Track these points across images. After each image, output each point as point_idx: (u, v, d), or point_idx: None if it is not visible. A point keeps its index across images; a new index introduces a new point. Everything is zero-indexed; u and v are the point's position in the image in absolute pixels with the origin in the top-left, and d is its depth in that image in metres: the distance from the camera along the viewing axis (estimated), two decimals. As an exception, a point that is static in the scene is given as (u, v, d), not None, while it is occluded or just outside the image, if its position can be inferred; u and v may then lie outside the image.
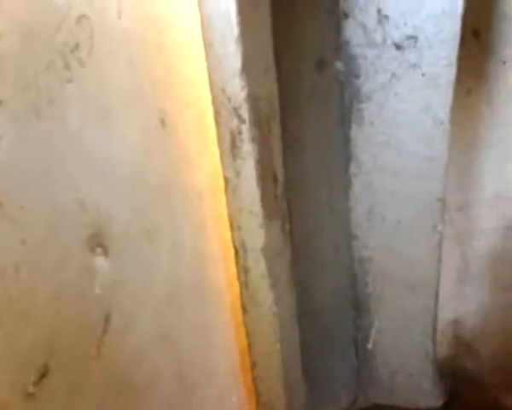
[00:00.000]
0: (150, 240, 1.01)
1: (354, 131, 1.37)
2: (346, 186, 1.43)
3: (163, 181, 1.06)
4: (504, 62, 1.40)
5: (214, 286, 1.26)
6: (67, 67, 0.79)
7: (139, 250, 0.98)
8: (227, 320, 1.33)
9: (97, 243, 0.85)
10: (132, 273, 0.95)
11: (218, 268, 1.28)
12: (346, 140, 1.39)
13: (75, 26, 0.81)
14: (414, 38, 1.27)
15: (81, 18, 0.83)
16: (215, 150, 1.21)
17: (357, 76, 1.32)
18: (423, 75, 1.29)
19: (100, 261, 0.86)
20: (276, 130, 1.25)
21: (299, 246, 1.41)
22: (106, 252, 0.87)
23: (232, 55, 1.09)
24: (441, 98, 1.30)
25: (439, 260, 1.44)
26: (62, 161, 0.79)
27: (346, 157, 1.40)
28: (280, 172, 1.28)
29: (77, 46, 0.81)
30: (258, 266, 1.25)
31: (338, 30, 1.31)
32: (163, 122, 1.04)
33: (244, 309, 1.29)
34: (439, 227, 1.40)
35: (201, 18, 1.09)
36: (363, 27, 1.29)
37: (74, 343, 0.80)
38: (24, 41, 0.72)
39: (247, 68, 1.11)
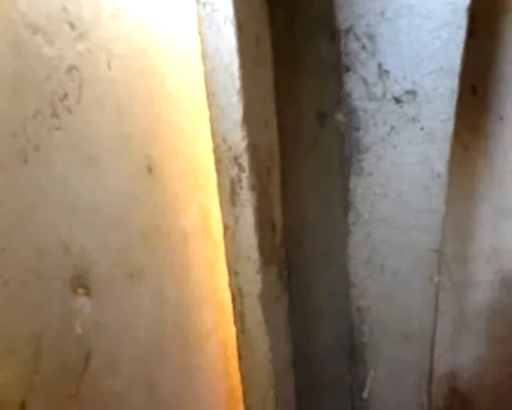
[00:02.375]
0: (133, 283, 1.03)
1: (353, 181, 1.40)
2: (345, 235, 1.44)
3: (148, 226, 1.08)
4: (501, 118, 1.43)
5: (199, 330, 1.27)
6: (55, 115, 0.82)
7: (122, 293, 1.00)
8: (213, 365, 1.34)
9: (80, 284, 0.87)
10: (114, 315, 0.97)
11: (204, 312, 1.30)
12: (345, 190, 1.41)
13: (65, 76, 0.85)
14: (413, 92, 1.30)
15: (71, 69, 0.87)
16: (204, 196, 1.24)
17: (357, 128, 1.35)
18: (422, 129, 1.31)
19: (82, 302, 0.88)
20: (276, 179, 1.28)
21: (296, 293, 1.42)
22: (88, 293, 0.89)
23: (234, 107, 1.13)
24: (439, 152, 1.32)
25: (436, 311, 1.45)
26: (47, 205, 0.81)
27: (345, 207, 1.42)
28: (278, 220, 1.30)
29: (65, 95, 0.85)
30: (255, 313, 1.26)
31: (339, 83, 1.34)
32: (150, 169, 1.07)
33: (239, 355, 1.30)
34: (436, 278, 1.41)
35: (205, 70, 1.13)
36: (364, 81, 1.32)
37: (53, 381, 0.82)
38: (14, 90, 0.75)
39: (248, 119, 1.14)
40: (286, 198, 1.37)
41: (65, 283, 0.84)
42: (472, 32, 1.31)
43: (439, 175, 1.34)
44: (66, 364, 0.85)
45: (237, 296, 1.26)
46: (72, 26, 0.86)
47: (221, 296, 1.31)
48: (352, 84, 1.34)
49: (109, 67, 0.95)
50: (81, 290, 0.88)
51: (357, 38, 1.30)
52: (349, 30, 1.30)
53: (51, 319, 0.81)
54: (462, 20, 1.24)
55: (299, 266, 1.44)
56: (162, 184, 1.14)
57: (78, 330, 0.88)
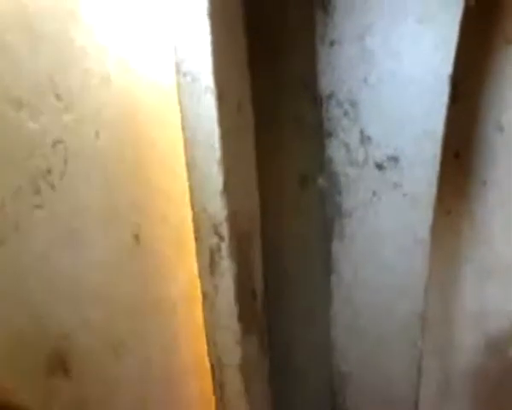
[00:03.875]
0: (116, 357, 1.00)
1: (335, 245, 1.39)
2: (327, 299, 1.43)
3: (133, 297, 1.06)
4: (485, 182, 1.43)
5: (185, 401, 1.25)
6: (37, 192, 0.80)
7: (103, 368, 0.97)
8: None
9: (58, 362, 0.85)
10: (95, 391, 0.94)
11: (190, 382, 1.27)
12: (328, 254, 1.40)
13: (49, 150, 0.83)
14: (395, 158, 1.30)
15: (56, 143, 0.85)
16: (192, 262, 1.22)
17: (339, 193, 1.35)
18: (404, 195, 1.31)
19: (60, 382, 0.85)
20: (257, 244, 1.26)
21: (277, 357, 1.40)
22: (67, 372, 0.86)
23: (214, 176, 1.12)
24: (421, 217, 1.32)
25: (419, 376, 1.43)
26: (25, 285, 0.79)
27: (327, 271, 1.41)
28: (259, 287, 1.28)
29: (49, 171, 0.83)
30: (235, 382, 1.24)
31: (321, 148, 1.33)
32: (137, 237, 1.05)
33: (219, 424, 1.27)
34: (419, 343, 1.39)
35: (184, 140, 1.11)
36: (346, 147, 1.32)
37: None
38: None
39: (229, 188, 1.13)
40: (267, 262, 1.35)
41: (42, 363, 0.81)
42: (455, 98, 1.31)
43: (421, 241, 1.33)
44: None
45: (216, 366, 1.24)
46: (58, 97, 0.85)
47: (208, 364, 1.28)
48: (334, 149, 1.33)
49: (97, 136, 0.93)
50: (59, 371, 0.86)
51: (340, 104, 1.30)
52: (331, 95, 1.30)
53: (28, 402, 0.79)
54: (445, 87, 1.24)
55: (281, 330, 1.42)
56: (150, 251, 1.12)
57: (56, 410, 0.85)
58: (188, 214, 1.20)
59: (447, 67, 1.23)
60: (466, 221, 1.48)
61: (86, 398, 0.91)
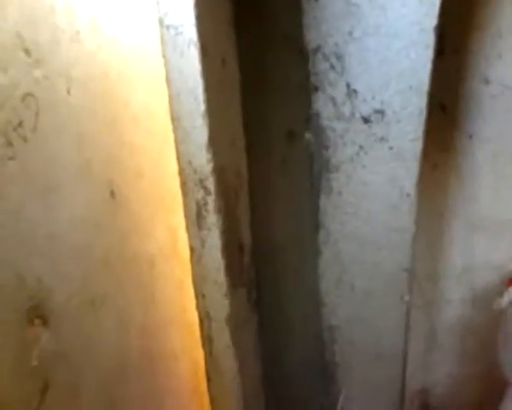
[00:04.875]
0: (95, 310, 1.01)
1: (323, 200, 1.39)
2: (315, 255, 1.43)
3: (110, 252, 1.06)
4: (471, 136, 1.43)
5: (167, 353, 1.26)
6: (9, 144, 0.80)
7: (82, 321, 0.97)
8: (182, 387, 1.32)
9: (36, 315, 0.85)
10: (74, 344, 0.95)
11: (171, 335, 1.28)
12: (315, 209, 1.40)
13: (19, 104, 0.82)
14: (381, 112, 1.30)
15: (26, 96, 0.84)
16: (171, 217, 1.23)
17: (326, 148, 1.35)
18: (390, 149, 1.31)
19: (38, 333, 0.86)
20: (244, 200, 1.27)
21: (267, 313, 1.41)
22: (45, 323, 0.87)
23: (199, 130, 1.12)
24: (408, 171, 1.32)
25: (407, 330, 1.45)
26: (1, 237, 0.79)
27: (315, 226, 1.41)
28: (247, 241, 1.29)
29: (20, 123, 0.82)
30: (223, 336, 1.25)
31: (308, 103, 1.33)
32: (113, 193, 1.05)
33: (208, 377, 1.29)
34: (407, 297, 1.41)
35: (169, 93, 1.11)
36: (333, 101, 1.32)
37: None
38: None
39: (214, 142, 1.13)
40: (255, 218, 1.36)
41: (20, 314, 0.82)
42: (441, 51, 1.31)
43: (408, 194, 1.34)
44: (21, 398, 0.83)
45: (205, 320, 1.25)
46: (27, 52, 0.84)
47: (190, 318, 1.29)
48: (321, 104, 1.33)
49: (68, 92, 0.93)
50: (37, 321, 0.86)
51: (326, 58, 1.30)
52: (317, 50, 1.30)
53: (5, 353, 0.79)
54: (430, 40, 1.24)
55: (269, 286, 1.43)
56: (126, 208, 1.12)
57: (34, 362, 0.86)
58: (164, 170, 1.20)
59: (432, 20, 1.22)
60: (452, 175, 1.48)
61: (65, 349, 0.92)
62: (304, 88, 1.33)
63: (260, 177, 1.37)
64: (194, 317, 1.27)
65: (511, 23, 1.41)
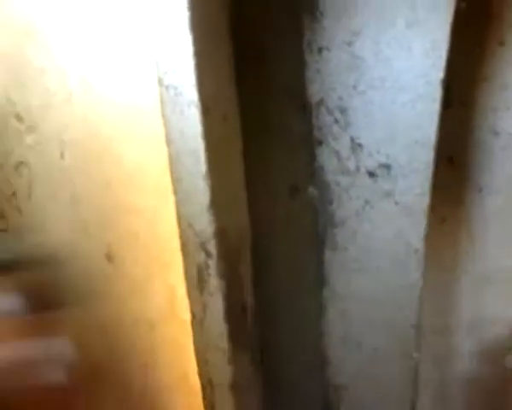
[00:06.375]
0: (93, 379, 0.97)
1: (328, 256, 1.35)
2: (320, 312, 1.39)
3: (108, 319, 1.02)
4: (480, 190, 1.40)
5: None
6: (2, 216, 0.77)
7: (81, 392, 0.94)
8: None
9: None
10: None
11: (173, 401, 1.24)
12: (320, 265, 1.36)
13: (13, 173, 0.79)
14: (387, 166, 1.26)
15: (19, 164, 0.81)
16: (171, 277, 1.19)
17: (331, 202, 1.31)
18: (396, 203, 1.27)
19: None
20: (246, 259, 1.23)
21: (270, 374, 1.36)
22: None
23: (200, 191, 1.08)
24: (415, 226, 1.28)
25: (416, 388, 1.40)
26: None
27: (320, 282, 1.37)
28: (249, 300, 1.25)
29: (14, 194, 0.79)
30: (226, 402, 1.20)
31: (312, 156, 1.30)
32: (109, 257, 1.02)
33: (211, 446, 1.24)
34: (415, 355, 1.36)
35: (169, 154, 1.08)
36: (337, 155, 1.28)
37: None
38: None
39: (216, 203, 1.09)
40: (258, 275, 1.32)
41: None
42: (448, 103, 1.28)
43: (415, 250, 1.30)
44: None
45: (207, 386, 1.20)
46: (19, 118, 0.81)
47: (192, 383, 1.24)
48: (325, 158, 1.30)
49: (62, 156, 0.89)
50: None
51: (329, 112, 1.27)
52: (320, 103, 1.26)
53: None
54: (437, 93, 1.21)
55: (273, 345, 1.38)
56: (123, 271, 1.08)
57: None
58: (161, 230, 1.16)
59: (439, 72, 1.19)
60: (461, 230, 1.45)
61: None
62: (307, 142, 1.30)
63: (263, 234, 1.32)
64: (196, 382, 1.22)
65: (518, 74, 1.38)
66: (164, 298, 1.22)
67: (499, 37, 1.35)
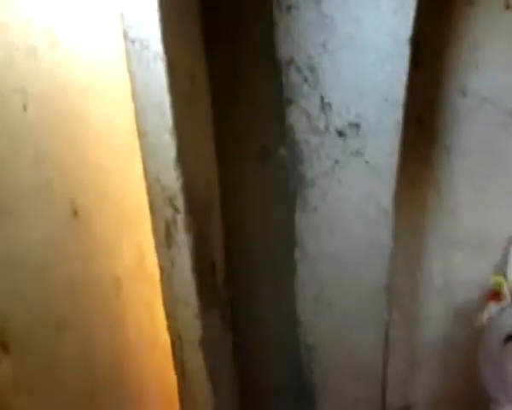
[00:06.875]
0: (58, 335, 0.96)
1: (299, 216, 1.35)
2: (291, 272, 1.40)
3: (73, 273, 1.02)
4: (449, 151, 1.40)
5: (137, 378, 1.21)
6: None
7: (44, 347, 0.93)
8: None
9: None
10: (37, 372, 0.91)
11: (142, 359, 1.24)
12: (291, 226, 1.36)
13: None
14: (356, 125, 1.27)
15: None
16: (139, 236, 1.19)
17: (301, 162, 1.31)
18: (366, 163, 1.28)
19: (-1, 360, 0.82)
20: (215, 218, 1.23)
21: (242, 332, 1.37)
22: (5, 349, 0.83)
23: (166, 146, 1.08)
24: (384, 186, 1.29)
25: (386, 348, 1.41)
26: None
27: (291, 243, 1.38)
28: (219, 260, 1.25)
29: None
30: (196, 358, 1.21)
31: (282, 117, 1.30)
32: (75, 213, 1.01)
33: (181, 401, 1.25)
34: (385, 315, 1.37)
35: (135, 109, 1.08)
36: (307, 114, 1.28)
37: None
38: None
39: (183, 158, 1.09)
40: (229, 236, 1.32)
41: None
42: (417, 63, 1.28)
43: (384, 210, 1.31)
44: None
45: (176, 342, 1.21)
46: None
47: (161, 340, 1.25)
48: (295, 118, 1.30)
49: (25, 109, 0.89)
50: (-2, 349, 0.82)
51: (299, 70, 1.27)
52: (290, 62, 1.26)
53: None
54: (405, 51, 1.21)
55: (244, 305, 1.39)
56: (90, 228, 1.07)
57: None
58: (129, 188, 1.16)
59: (407, 31, 1.20)
60: (430, 190, 1.45)
61: (26, 376, 0.87)
62: (277, 102, 1.29)
63: (233, 193, 1.33)
64: (165, 339, 1.23)
65: (487, 33, 1.38)
66: (132, 256, 1.22)
67: (468, -4, 1.36)
